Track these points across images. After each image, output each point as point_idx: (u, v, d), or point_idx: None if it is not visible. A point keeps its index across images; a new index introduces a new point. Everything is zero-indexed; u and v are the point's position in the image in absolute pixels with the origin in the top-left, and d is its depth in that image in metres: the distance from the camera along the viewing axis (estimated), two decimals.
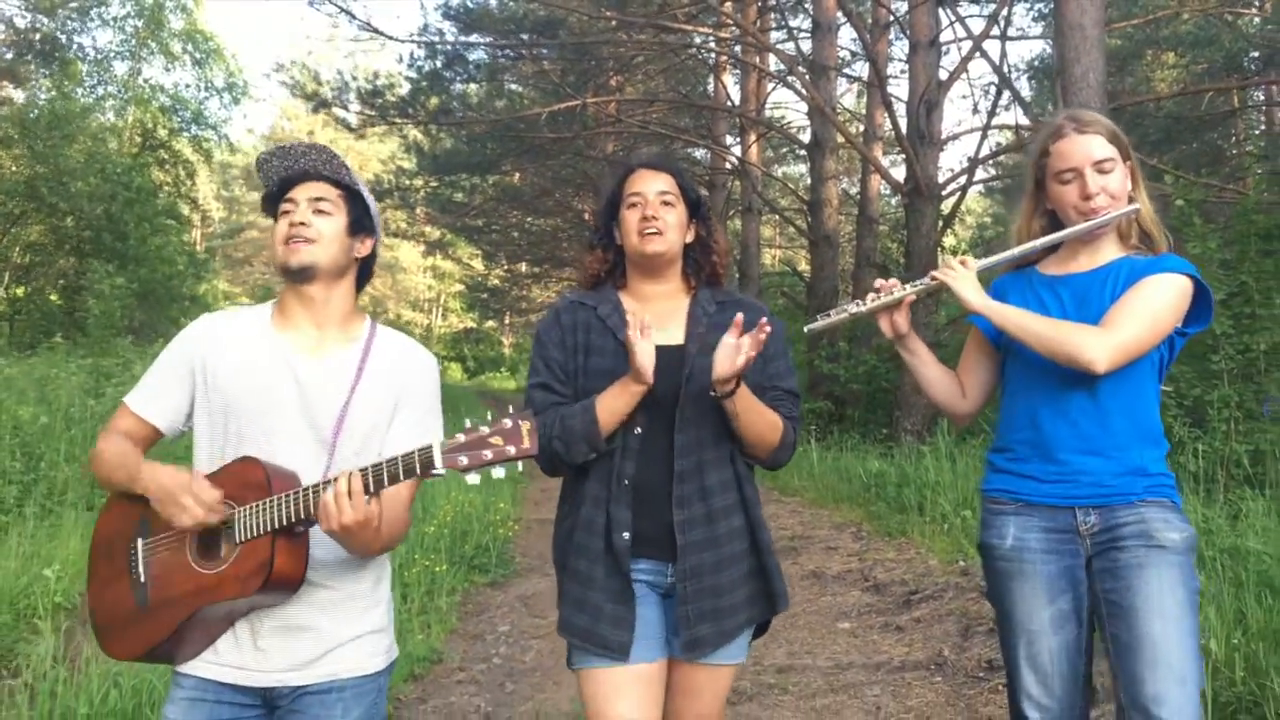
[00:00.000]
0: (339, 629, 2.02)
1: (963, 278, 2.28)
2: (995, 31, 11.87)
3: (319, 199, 2.09)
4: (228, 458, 2.00)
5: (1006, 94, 12.98)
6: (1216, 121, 21.96)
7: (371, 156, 48.10)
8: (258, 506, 1.89)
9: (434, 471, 1.72)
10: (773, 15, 18.48)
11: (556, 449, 2.21)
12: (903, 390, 11.76)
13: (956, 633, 4.81)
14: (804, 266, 19.59)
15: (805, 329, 2.64)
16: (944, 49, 12.82)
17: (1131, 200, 2.29)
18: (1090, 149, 2.25)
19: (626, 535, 2.20)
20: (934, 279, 2.34)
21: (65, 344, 12.04)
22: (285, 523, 1.85)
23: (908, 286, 2.39)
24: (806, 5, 17.38)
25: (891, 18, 13.35)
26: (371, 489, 1.79)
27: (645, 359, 2.11)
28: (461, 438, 1.70)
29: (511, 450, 1.68)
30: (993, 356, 2.45)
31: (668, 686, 2.26)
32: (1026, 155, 2.50)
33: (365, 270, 2.21)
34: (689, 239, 2.41)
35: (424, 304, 59.76)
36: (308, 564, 1.94)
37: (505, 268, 35.67)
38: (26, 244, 20.44)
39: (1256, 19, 18.91)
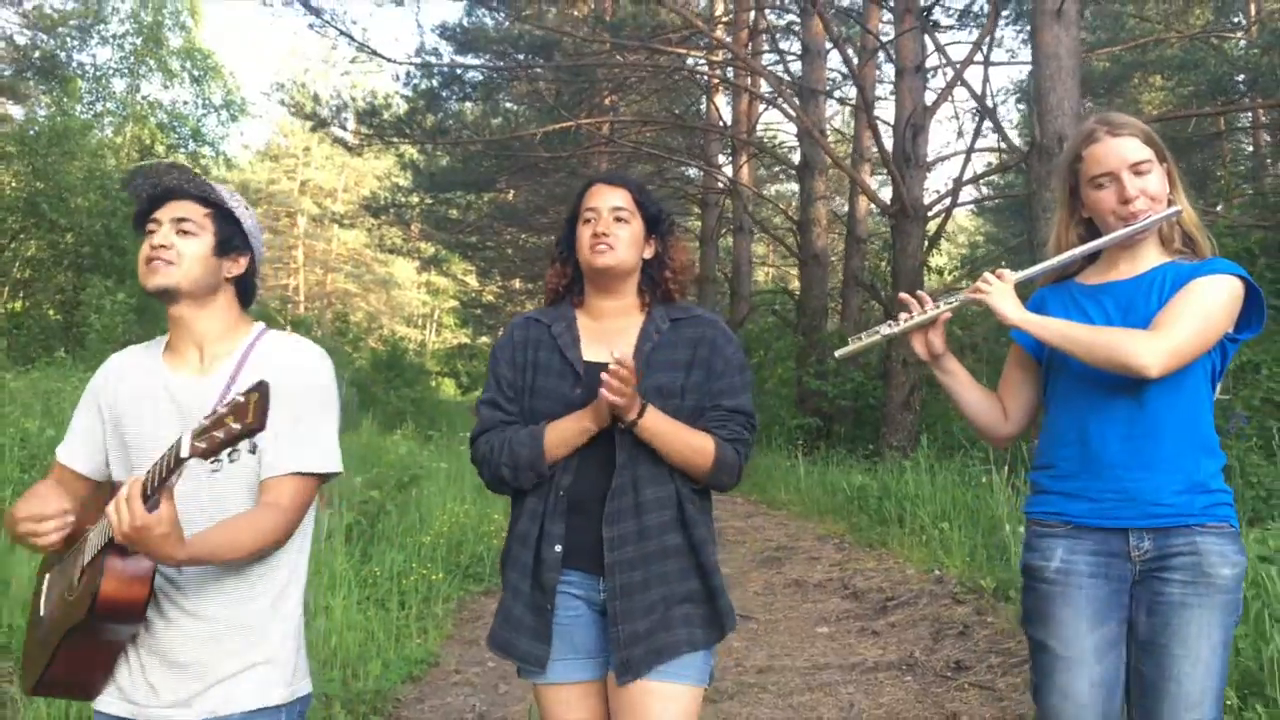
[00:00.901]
0: (221, 662, 1.94)
1: (1000, 292, 2.20)
2: (979, 57, 12.17)
3: (182, 219, 2.03)
4: None
5: (994, 118, 13.30)
6: (1204, 143, 22.36)
7: (367, 173, 48.39)
8: (98, 525, 1.84)
9: (184, 459, 1.64)
10: (764, 37, 18.84)
11: (504, 474, 2.22)
12: (889, 407, 12.03)
13: (928, 636, 5.06)
14: (795, 285, 19.89)
15: (837, 354, 2.56)
16: (930, 74, 13.16)
17: (1171, 203, 2.20)
18: (1125, 151, 2.17)
19: (558, 549, 2.19)
20: (970, 295, 2.27)
21: (66, 358, 12.24)
22: (107, 539, 1.77)
23: (941, 304, 2.33)
24: (796, 29, 17.74)
25: (878, 43, 13.67)
26: (148, 492, 1.69)
27: (612, 405, 2.10)
28: (206, 422, 1.63)
29: (237, 427, 1.60)
30: (1035, 374, 2.36)
31: (614, 715, 2.21)
32: (1054, 164, 2.47)
33: (247, 287, 2.15)
34: (646, 255, 2.39)
35: (418, 320, 59.86)
36: (150, 587, 1.83)
37: (499, 284, 35.92)
38: (26, 259, 20.61)
39: (1242, 43, 19.28)
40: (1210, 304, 2.07)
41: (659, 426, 2.15)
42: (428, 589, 6.35)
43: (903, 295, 2.38)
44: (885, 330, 2.35)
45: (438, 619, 6.01)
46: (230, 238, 2.08)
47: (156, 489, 1.70)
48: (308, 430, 2.00)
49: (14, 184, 20.43)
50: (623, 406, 2.08)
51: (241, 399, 1.62)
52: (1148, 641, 2.05)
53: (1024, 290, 2.27)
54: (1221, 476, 2.14)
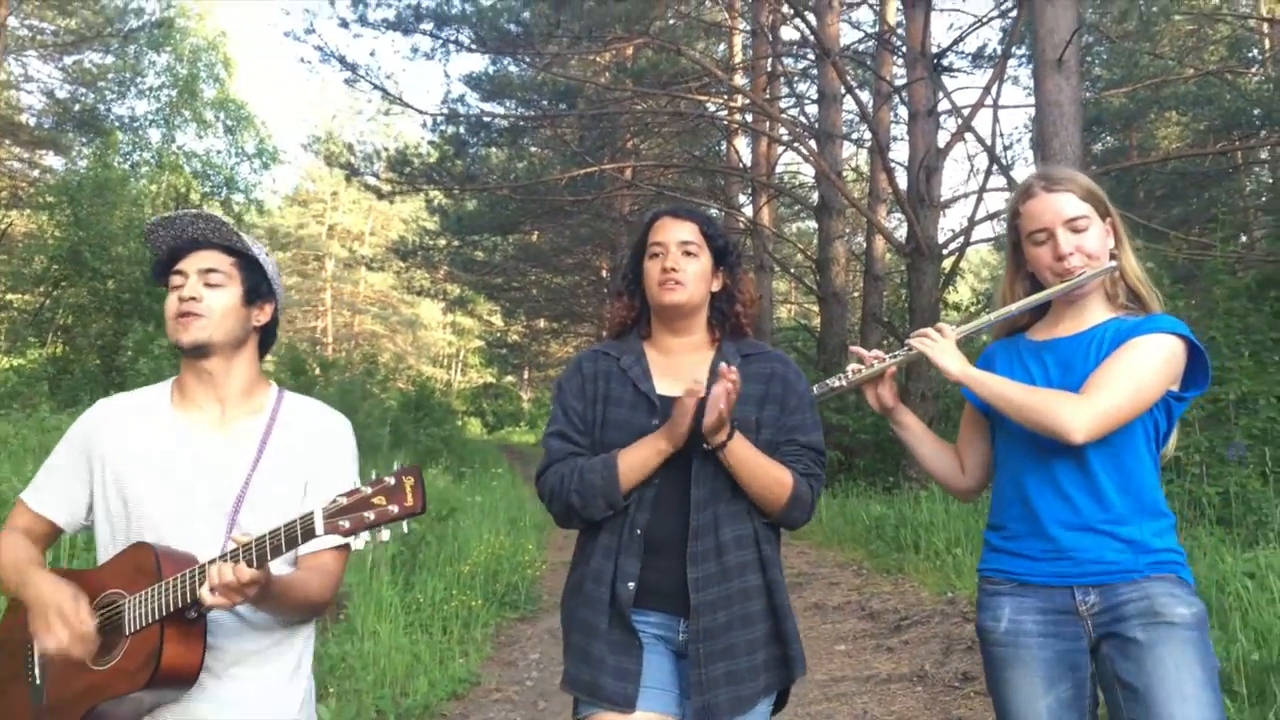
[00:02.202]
0: None
1: (941, 347, 2.21)
2: (989, 100, 12.61)
3: (210, 270, 1.98)
4: (141, 541, 1.90)
5: (1004, 157, 13.71)
6: (1221, 177, 22.54)
7: (394, 216, 49.18)
8: (146, 594, 1.79)
9: (316, 537, 1.65)
10: (781, 81, 19.37)
11: (573, 502, 2.17)
12: None
13: (939, 651, 5.41)
14: (816, 321, 20.28)
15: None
16: (943, 116, 13.60)
17: (1113, 258, 2.17)
18: (1060, 207, 2.15)
19: (631, 585, 2.14)
20: (912, 349, 2.27)
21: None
22: (171, 609, 1.75)
23: (888, 358, 2.34)
24: (813, 74, 18.27)
25: (891, 89, 14.14)
26: (255, 563, 1.69)
27: (687, 420, 2.08)
28: (343, 500, 1.62)
29: (394, 510, 1.60)
30: (987, 430, 2.34)
31: None
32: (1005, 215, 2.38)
33: (268, 335, 2.12)
34: (715, 288, 2.35)
35: (443, 360, 60.41)
36: (204, 653, 1.83)
37: (524, 324, 36.46)
38: (70, 305, 21.29)
39: (1257, 78, 19.55)
40: (1144, 365, 2.03)
41: (745, 453, 2.12)
42: (467, 614, 6.73)
43: (853, 349, 2.43)
44: (835, 383, 2.38)
45: (477, 642, 6.39)
46: (257, 285, 2.05)
47: (261, 562, 1.68)
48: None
49: (57, 233, 21.14)
50: (722, 420, 2.05)
51: (393, 481, 1.61)
52: (1130, 690, 1.97)
53: (973, 345, 2.26)
54: (1170, 535, 2.10)
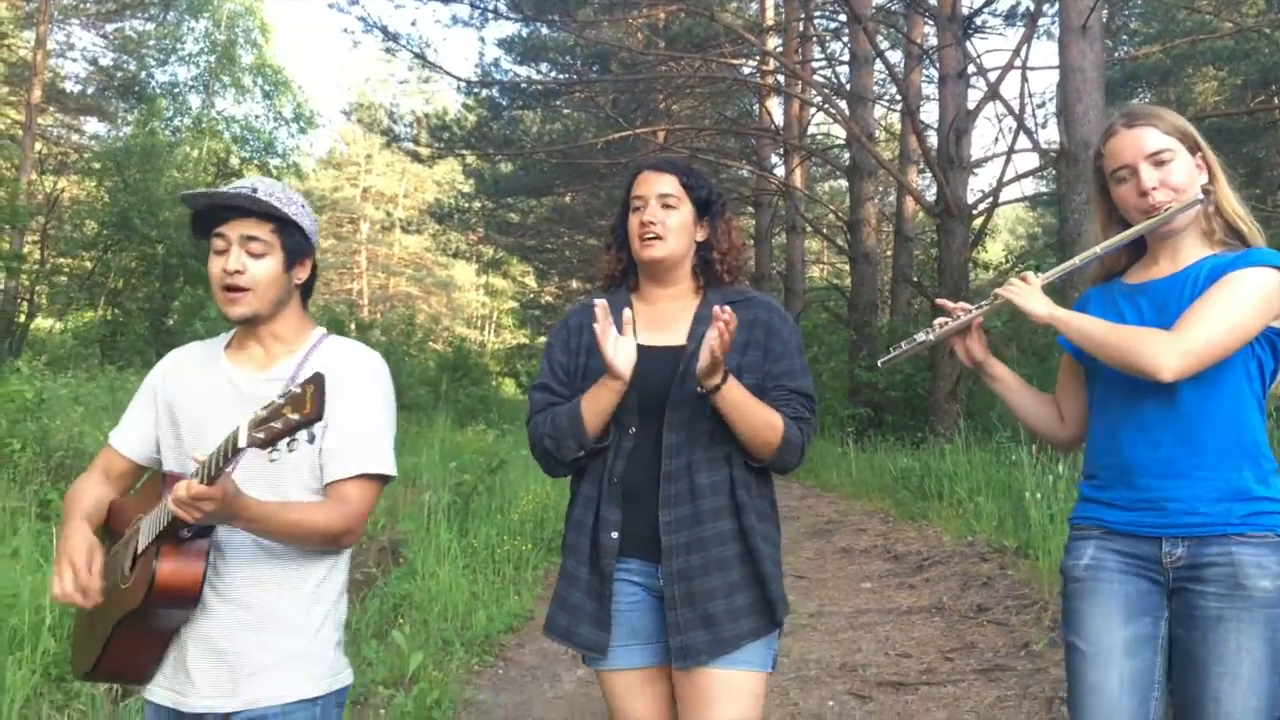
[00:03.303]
0: (261, 653, 1.97)
1: (1027, 292, 2.13)
2: (1018, 63, 12.81)
3: (251, 238, 2.03)
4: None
5: (1032, 119, 13.91)
6: (1259, 132, 22.39)
7: (427, 179, 49.58)
8: (151, 515, 1.88)
9: (241, 449, 1.68)
10: (814, 43, 19.54)
11: (548, 446, 2.23)
12: (935, 397, 12.71)
13: (957, 587, 5.86)
14: (847, 281, 20.58)
15: (880, 362, 2.52)
16: (972, 79, 13.82)
17: (1206, 193, 2.07)
18: (1142, 142, 2.08)
19: (615, 535, 2.19)
20: (998, 297, 2.21)
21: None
22: (163, 526, 1.82)
23: (975, 309, 2.26)
24: (844, 37, 18.45)
25: (922, 52, 14.35)
26: (207, 479, 1.73)
27: (615, 355, 2.11)
28: (263, 413, 1.66)
29: (295, 417, 1.63)
30: (1083, 377, 2.25)
31: (680, 703, 2.22)
32: (1080, 169, 2.49)
33: (307, 282, 2.18)
34: (699, 238, 2.35)
35: (477, 321, 60.90)
36: (204, 573, 1.89)
37: (557, 285, 36.85)
38: (120, 269, 21.87)
39: None
40: (1240, 299, 1.93)
41: (739, 396, 2.12)
42: (518, 558, 7.23)
43: (940, 301, 2.38)
44: (922, 338, 2.32)
45: (528, 583, 6.89)
46: (297, 246, 2.10)
47: (212, 479, 1.73)
48: (371, 433, 2.05)
49: (106, 199, 21.70)
50: (718, 362, 2.06)
51: (298, 390, 1.64)
52: (1185, 655, 1.96)
53: (1055, 290, 2.15)
54: (1271, 482, 2.00)
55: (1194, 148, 2.11)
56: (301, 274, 2.13)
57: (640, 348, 2.20)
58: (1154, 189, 2.06)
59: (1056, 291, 2.36)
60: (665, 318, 2.31)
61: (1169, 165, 2.07)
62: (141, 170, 21.31)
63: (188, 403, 2.07)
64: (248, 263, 2.02)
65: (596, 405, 2.18)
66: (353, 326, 24.67)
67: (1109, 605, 2.03)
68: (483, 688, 4.86)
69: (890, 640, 5.11)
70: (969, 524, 7.25)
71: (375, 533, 7.50)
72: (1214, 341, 1.92)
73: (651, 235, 2.27)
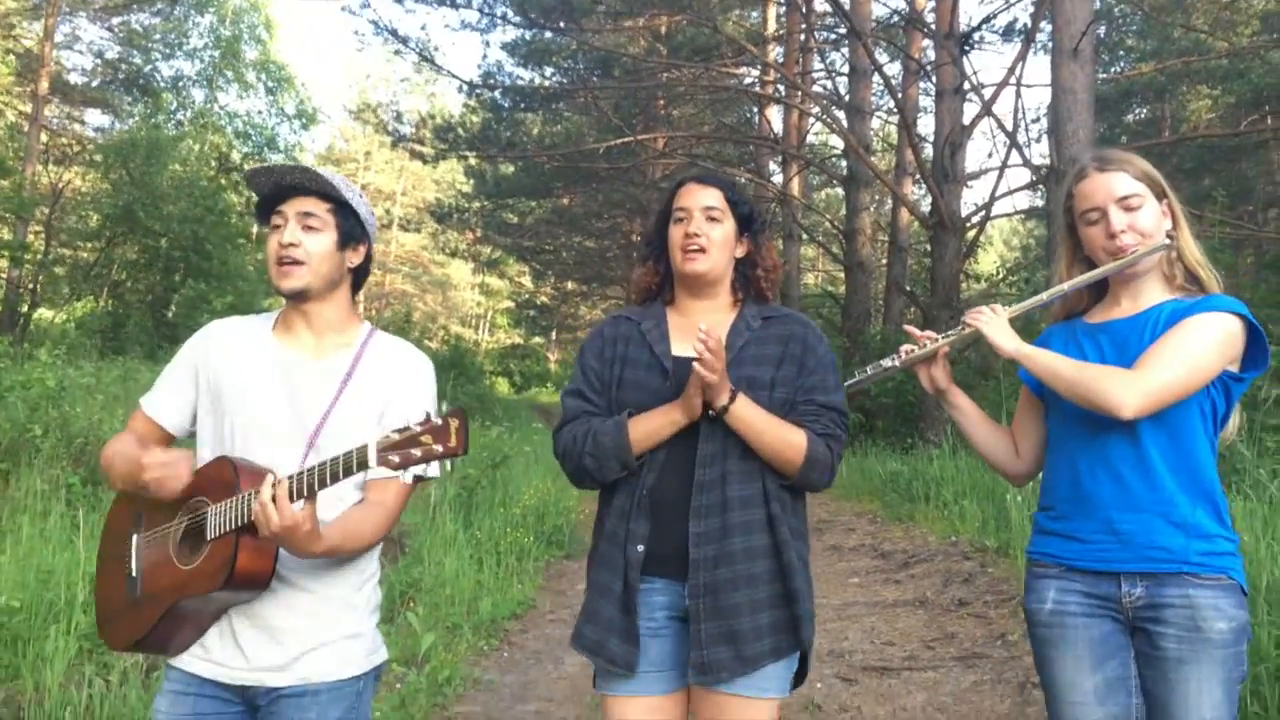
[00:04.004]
0: (314, 632, 2.02)
1: (995, 324, 2.19)
2: (1013, 80, 13.16)
3: (308, 214, 2.08)
4: (225, 454, 2.03)
5: (1025, 134, 14.23)
6: (1250, 151, 22.69)
7: (426, 177, 49.83)
8: (226, 504, 1.91)
9: (369, 469, 1.71)
10: (814, 54, 19.88)
11: (587, 465, 2.20)
12: (926, 404, 13.05)
13: (940, 583, 6.19)
14: (841, 289, 20.91)
15: (845, 385, 2.44)
16: (968, 94, 14.16)
17: (1170, 238, 2.15)
18: (1112, 186, 2.15)
19: (640, 548, 2.16)
20: (966, 326, 2.26)
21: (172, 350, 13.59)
22: (246, 520, 1.86)
23: (941, 338, 2.31)
24: (843, 49, 18.79)
25: (919, 67, 14.69)
26: (305, 492, 1.79)
27: (699, 393, 2.10)
28: (395, 436, 1.69)
29: (439, 449, 1.67)
30: (1042, 412, 2.31)
31: None
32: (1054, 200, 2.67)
33: (361, 272, 2.21)
34: (738, 254, 2.36)
35: (471, 320, 61.01)
36: (275, 562, 1.94)
37: (554, 286, 37.03)
38: (124, 262, 22.08)
39: None
40: (1199, 343, 2.01)
41: (750, 415, 2.12)
42: (520, 550, 7.51)
43: (907, 328, 2.42)
44: (887, 364, 2.36)
45: (530, 574, 7.18)
46: (352, 229, 2.14)
47: (311, 491, 1.79)
48: None
49: (110, 191, 21.90)
50: (713, 385, 2.06)
51: (440, 422, 1.68)
52: (1150, 695, 2.02)
53: (1021, 324, 2.25)
54: (1223, 521, 2.07)
55: (1160, 194, 2.18)
56: (354, 258, 2.16)
57: (678, 360, 2.23)
58: (1122, 232, 2.13)
59: (1019, 325, 2.34)
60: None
61: (1138, 210, 2.14)
62: (147, 163, 21.53)
63: (232, 376, 2.09)
64: (302, 237, 2.07)
65: (651, 431, 2.16)
66: None
67: (1078, 650, 2.07)
68: (489, 668, 5.14)
69: (876, 630, 5.43)
70: (953, 525, 7.58)
71: None
72: (1174, 382, 1.98)
73: (696, 248, 2.27)
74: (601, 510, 2.29)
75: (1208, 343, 2.01)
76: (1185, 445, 2.05)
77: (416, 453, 1.66)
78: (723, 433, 2.14)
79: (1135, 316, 2.15)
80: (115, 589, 2.12)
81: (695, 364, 2.02)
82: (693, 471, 2.15)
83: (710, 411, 2.12)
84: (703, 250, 2.27)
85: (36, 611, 4.59)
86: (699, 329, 2.02)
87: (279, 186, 2.11)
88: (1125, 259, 2.13)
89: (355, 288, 2.22)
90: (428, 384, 2.16)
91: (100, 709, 3.83)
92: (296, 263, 2.06)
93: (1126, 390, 1.96)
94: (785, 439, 2.13)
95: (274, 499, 1.77)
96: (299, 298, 2.10)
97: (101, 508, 6.36)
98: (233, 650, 2.00)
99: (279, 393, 2.06)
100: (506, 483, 9.08)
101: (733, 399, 2.10)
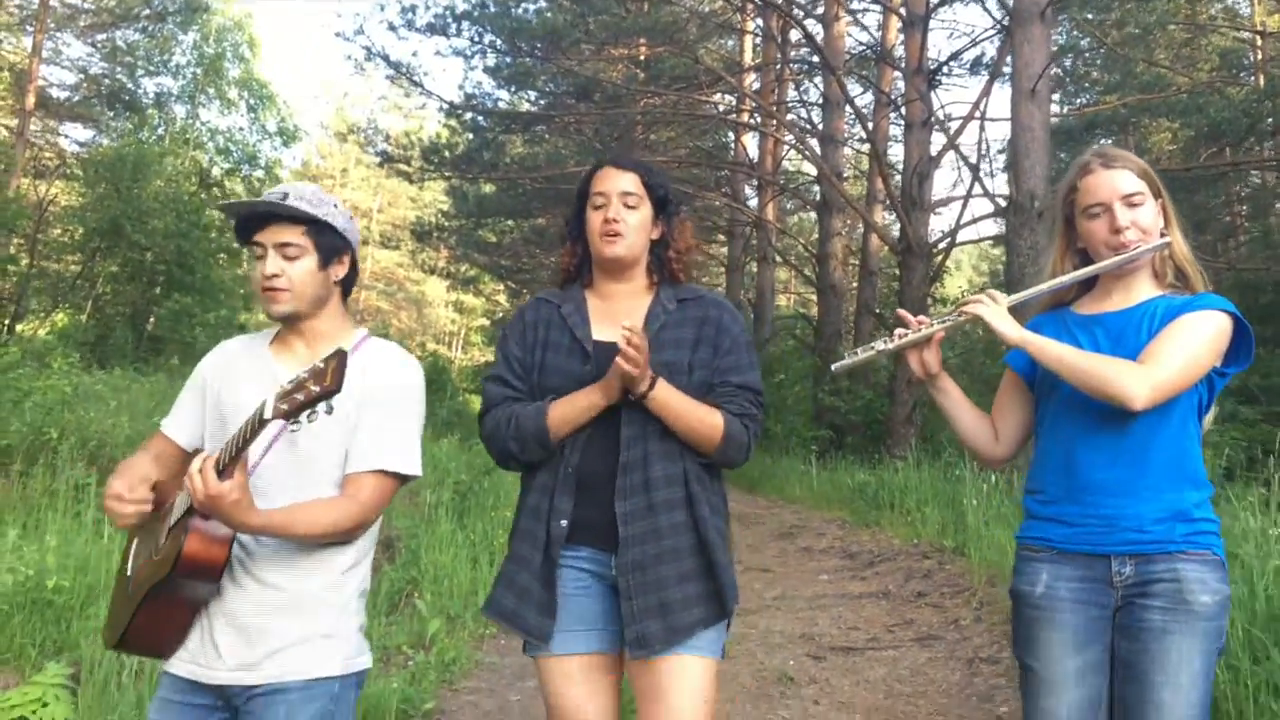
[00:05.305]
0: (286, 631, 2.02)
1: (996, 312, 2.22)
2: (977, 114, 13.87)
3: (285, 244, 2.09)
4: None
5: (989, 166, 14.95)
6: (1209, 182, 23.45)
7: (402, 194, 50.11)
8: (183, 493, 1.94)
9: (266, 420, 1.73)
10: (791, 84, 20.57)
11: (511, 449, 2.26)
12: (893, 422, 13.67)
13: (902, 578, 6.77)
14: (814, 310, 21.54)
15: (833, 367, 2.52)
16: (936, 126, 14.85)
17: (1163, 235, 2.21)
18: (1117, 183, 2.20)
19: (564, 523, 2.21)
20: (964, 313, 2.28)
21: (179, 366, 13.98)
22: (190, 505, 1.87)
23: (936, 323, 2.32)
24: (817, 79, 19.49)
25: (889, 101, 15.39)
26: (227, 459, 1.81)
27: (624, 376, 2.14)
28: (288, 386, 1.71)
29: (316, 390, 1.69)
30: (1027, 398, 2.37)
31: (636, 692, 2.24)
32: (1055, 192, 2.44)
33: (348, 280, 2.23)
34: (653, 236, 2.39)
35: (445, 337, 61.09)
36: (229, 550, 1.93)
37: None
38: (108, 275, 22.29)
39: (1246, 88, 20.38)
40: (1197, 340, 2.08)
41: (669, 399, 2.18)
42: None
43: (900, 312, 2.43)
44: (881, 345, 2.37)
45: None
46: (332, 245, 2.15)
47: (233, 458, 1.81)
48: (395, 432, 2.09)
49: (97, 205, 22.13)
50: (635, 376, 2.11)
51: (321, 365, 1.70)
52: (1129, 666, 2.07)
53: (1017, 315, 2.26)
54: (1207, 506, 2.15)
55: (1157, 193, 2.24)
56: (339, 270, 2.18)
57: (598, 344, 2.30)
58: (1126, 228, 2.18)
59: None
60: (619, 314, 2.32)
61: (1140, 207, 2.20)
62: (133, 178, 21.81)
63: (232, 393, 2.14)
64: (284, 266, 2.09)
65: (570, 416, 2.22)
66: None
67: (1064, 634, 2.12)
68: (490, 652, 5.57)
69: (842, 617, 6.00)
70: (916, 529, 8.18)
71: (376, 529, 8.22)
72: (1179, 376, 2.06)
73: (613, 233, 2.31)
74: (525, 486, 2.34)
75: (1206, 339, 2.09)
76: (1176, 435, 2.13)
77: (300, 397, 1.70)
78: (643, 415, 2.21)
79: (1129, 310, 2.22)
80: (119, 590, 2.18)
81: (619, 359, 2.10)
82: (615, 450, 2.22)
83: (631, 396, 2.18)
84: (621, 235, 2.31)
85: (77, 593, 5.03)
86: (623, 326, 2.10)
87: (251, 212, 2.13)
88: (1127, 254, 2.19)
89: (345, 293, 2.25)
90: (410, 384, 2.18)
91: (149, 672, 4.26)
92: (281, 290, 2.10)
93: (1139, 383, 2.02)
94: (703, 420, 2.21)
95: (200, 471, 1.81)
96: (290, 321, 2.16)
97: None
98: (211, 649, 2.02)
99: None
100: (497, 488, 9.54)
101: (652, 385, 2.17)
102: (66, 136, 31.00)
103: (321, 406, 1.70)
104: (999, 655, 4.95)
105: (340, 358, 1.70)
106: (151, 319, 22.03)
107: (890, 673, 4.94)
